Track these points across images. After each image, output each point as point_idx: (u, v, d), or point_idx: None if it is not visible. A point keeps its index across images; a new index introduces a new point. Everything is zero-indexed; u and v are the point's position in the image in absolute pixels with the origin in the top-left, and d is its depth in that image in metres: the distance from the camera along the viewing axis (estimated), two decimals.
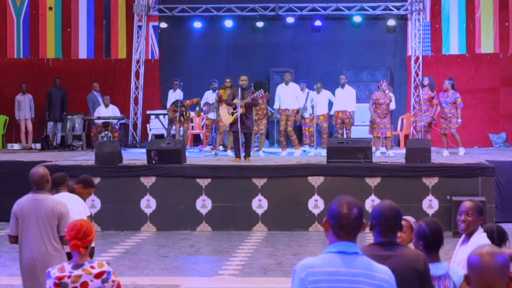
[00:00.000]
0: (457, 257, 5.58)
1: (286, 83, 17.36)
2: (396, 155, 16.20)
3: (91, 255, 6.57)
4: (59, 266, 5.03)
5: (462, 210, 5.61)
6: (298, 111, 17.33)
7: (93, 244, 6.50)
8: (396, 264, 4.16)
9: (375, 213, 4.36)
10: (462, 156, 16.07)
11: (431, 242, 4.87)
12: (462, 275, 5.03)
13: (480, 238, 5.49)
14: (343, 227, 3.63)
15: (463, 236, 5.64)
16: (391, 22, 20.73)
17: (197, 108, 18.17)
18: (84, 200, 7.88)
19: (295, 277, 3.60)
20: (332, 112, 17.47)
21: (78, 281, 4.93)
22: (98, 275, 4.97)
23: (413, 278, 4.21)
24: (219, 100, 16.95)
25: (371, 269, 3.60)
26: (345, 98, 17.18)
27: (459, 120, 16.33)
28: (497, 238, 5.55)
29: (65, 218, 6.62)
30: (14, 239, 6.73)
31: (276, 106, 17.61)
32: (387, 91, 17.00)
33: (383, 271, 3.64)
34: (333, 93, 17.44)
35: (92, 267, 4.99)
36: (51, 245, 6.60)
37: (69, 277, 4.93)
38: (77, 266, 5.00)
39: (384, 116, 16.76)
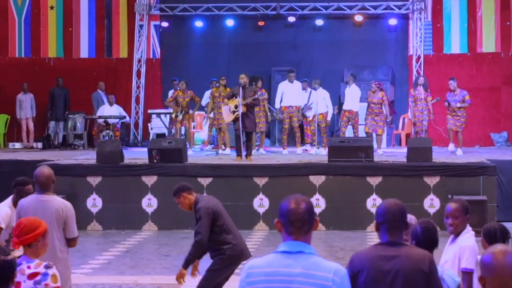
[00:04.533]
0: (444, 256, 5.56)
1: (291, 81, 17.37)
2: (397, 154, 16.18)
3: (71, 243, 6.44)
4: None
5: (447, 212, 5.57)
6: (299, 108, 17.34)
7: (75, 235, 6.43)
8: (400, 264, 4.12)
9: (380, 211, 4.28)
10: (463, 155, 16.07)
11: (422, 241, 4.86)
12: (458, 281, 5.02)
13: (467, 238, 5.47)
14: (292, 222, 3.57)
15: (452, 236, 5.63)
16: (393, 21, 20.73)
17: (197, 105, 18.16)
18: None
19: (240, 278, 3.63)
20: (323, 111, 17.45)
21: None
22: (31, 276, 4.72)
23: (418, 279, 4.14)
24: (213, 98, 17.05)
25: (313, 268, 3.50)
26: (350, 97, 17.23)
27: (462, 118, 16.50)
28: (500, 236, 5.53)
29: (70, 220, 6.44)
30: None
31: (277, 105, 17.59)
32: (375, 90, 17.03)
33: (327, 269, 3.51)
34: (335, 92, 17.47)
35: (28, 267, 4.76)
36: (55, 247, 6.33)
37: None
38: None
39: (375, 114, 16.86)
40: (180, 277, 7.34)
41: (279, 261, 3.56)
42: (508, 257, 3.26)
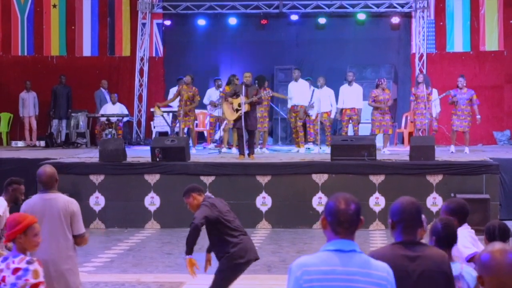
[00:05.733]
0: None
1: (296, 80, 17.39)
2: (400, 153, 16.17)
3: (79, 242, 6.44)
4: None
5: None
6: (304, 107, 17.31)
7: (81, 231, 6.43)
8: (424, 265, 4.09)
9: (396, 210, 4.20)
10: (467, 153, 16.06)
11: (443, 237, 4.81)
12: (475, 276, 5.01)
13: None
14: (341, 222, 3.56)
15: None
16: (395, 20, 20.71)
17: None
18: None
19: (291, 276, 3.56)
20: (328, 110, 17.40)
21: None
22: (14, 271, 4.83)
23: (441, 279, 4.13)
24: (225, 98, 16.98)
25: (367, 267, 3.52)
26: (353, 95, 17.18)
27: (478, 116, 16.46)
28: (499, 235, 5.51)
29: (76, 217, 6.44)
30: None
31: (288, 105, 17.63)
32: (384, 87, 16.99)
33: (381, 268, 3.56)
34: (338, 90, 17.43)
35: (13, 262, 4.87)
36: (64, 245, 6.38)
37: None
38: (4, 259, 4.93)
39: (386, 112, 16.81)
40: (190, 266, 7.33)
41: (335, 259, 3.53)
42: (506, 256, 3.23)
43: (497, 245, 3.32)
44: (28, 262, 4.85)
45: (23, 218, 5.10)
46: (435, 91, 17.68)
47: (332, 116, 17.55)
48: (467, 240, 5.53)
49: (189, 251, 7.41)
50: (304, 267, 3.53)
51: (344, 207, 3.58)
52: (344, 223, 3.57)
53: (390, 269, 3.60)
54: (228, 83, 17.87)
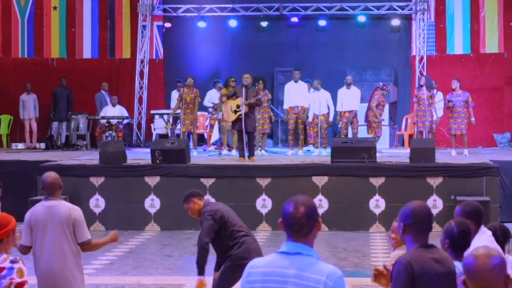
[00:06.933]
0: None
1: (296, 81, 17.38)
2: (400, 155, 16.17)
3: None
4: None
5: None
6: (305, 108, 17.31)
7: (84, 239, 6.43)
8: (447, 266, 4.17)
9: (409, 214, 4.26)
10: (467, 155, 16.07)
11: (457, 242, 4.82)
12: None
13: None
14: (290, 226, 3.62)
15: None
16: (395, 22, 20.72)
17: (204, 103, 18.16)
18: None
19: (242, 277, 3.70)
20: (325, 112, 17.44)
21: None
22: None
23: (456, 279, 4.24)
24: (220, 98, 16.99)
25: (307, 270, 3.51)
26: (352, 98, 17.21)
27: (473, 119, 16.52)
28: (501, 236, 5.52)
29: (79, 224, 6.41)
30: (26, 250, 6.40)
31: (285, 106, 17.59)
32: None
33: (321, 272, 3.51)
34: (336, 93, 17.43)
35: None
36: (69, 253, 6.36)
37: None
38: None
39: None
40: (200, 286, 7.28)
41: (277, 261, 3.59)
42: (489, 260, 3.21)
43: (481, 249, 3.31)
44: (13, 261, 4.81)
45: (10, 218, 5.12)
46: (440, 94, 17.70)
47: (331, 119, 17.56)
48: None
49: (201, 272, 7.31)
50: (250, 269, 3.65)
51: (293, 210, 3.62)
52: (294, 226, 3.61)
53: (336, 273, 3.52)
54: (225, 85, 17.88)
